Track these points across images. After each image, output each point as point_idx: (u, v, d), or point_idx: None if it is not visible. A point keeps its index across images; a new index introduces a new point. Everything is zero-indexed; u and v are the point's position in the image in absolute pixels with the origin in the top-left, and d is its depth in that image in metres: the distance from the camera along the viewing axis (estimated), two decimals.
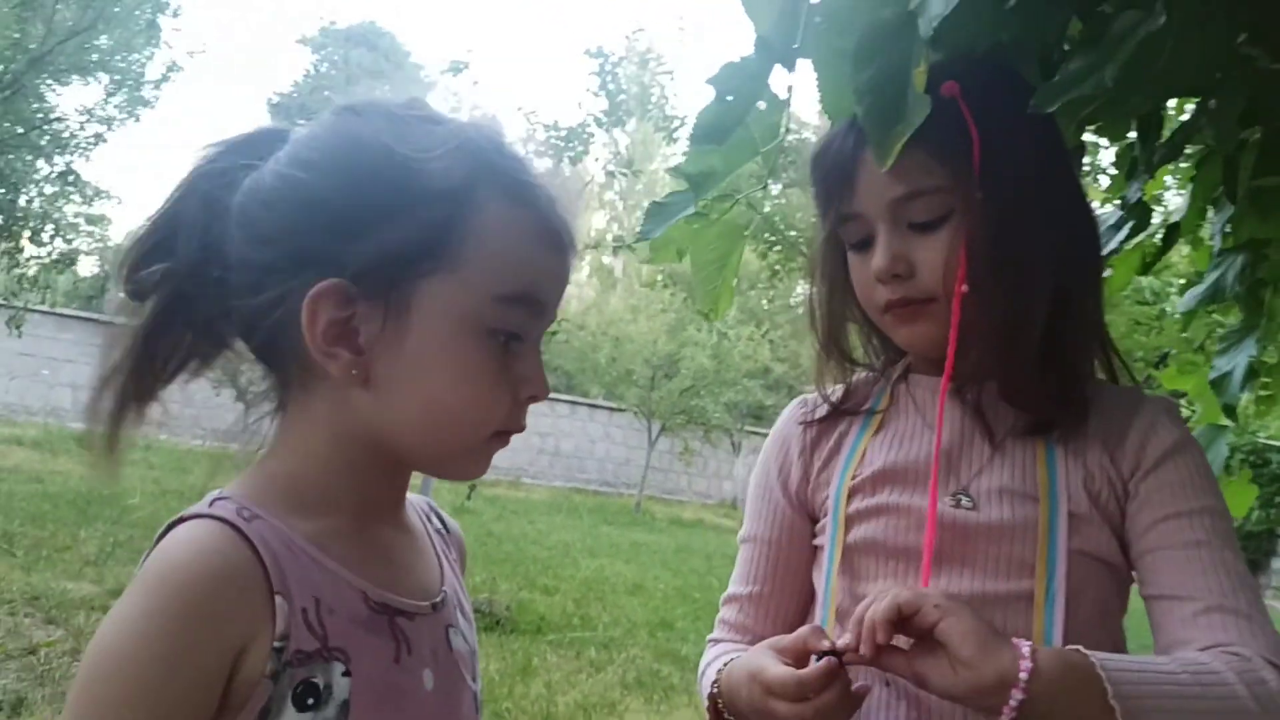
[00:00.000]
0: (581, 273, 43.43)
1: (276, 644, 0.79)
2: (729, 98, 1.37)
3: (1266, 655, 1.02)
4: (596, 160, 10.01)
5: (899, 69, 1.15)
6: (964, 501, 1.16)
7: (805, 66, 1.37)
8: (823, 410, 1.33)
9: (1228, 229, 1.98)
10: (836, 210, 1.23)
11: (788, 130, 1.46)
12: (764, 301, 28.83)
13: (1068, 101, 1.06)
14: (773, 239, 15.46)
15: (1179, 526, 1.11)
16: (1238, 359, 2.08)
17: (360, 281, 0.84)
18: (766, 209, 16.38)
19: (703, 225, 1.44)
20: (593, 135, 9.01)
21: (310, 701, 0.80)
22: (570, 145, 8.62)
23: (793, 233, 16.44)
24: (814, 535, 1.31)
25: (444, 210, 0.85)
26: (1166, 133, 1.80)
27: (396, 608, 0.90)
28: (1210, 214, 2.06)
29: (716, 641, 1.35)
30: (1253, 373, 2.07)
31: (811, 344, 1.36)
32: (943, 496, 1.17)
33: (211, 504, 0.85)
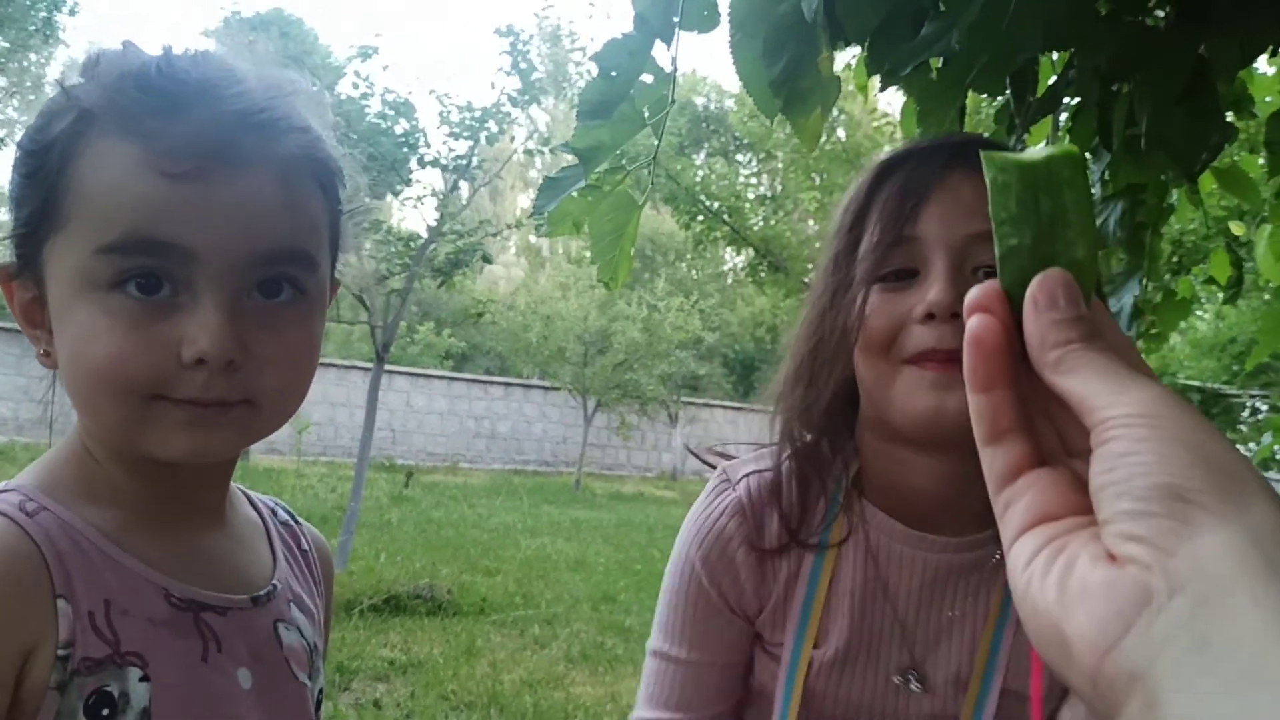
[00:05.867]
0: (509, 252, 43.18)
1: (60, 651, 0.72)
2: (613, 73, 1.41)
3: None
4: (512, 140, 9.96)
5: (805, 56, 1.22)
6: (914, 684, 1.14)
7: (700, 40, 1.44)
8: (774, 538, 1.16)
9: (1107, 177, 2.07)
10: (893, 227, 1.05)
11: (674, 101, 1.50)
12: (692, 272, 28.94)
13: (948, 67, 1.12)
14: (694, 209, 15.54)
15: None
16: (1124, 299, 2.18)
17: (18, 259, 0.82)
18: (692, 179, 16.43)
19: (597, 198, 1.48)
20: (509, 114, 8.97)
21: (105, 712, 0.74)
22: (485, 125, 8.58)
23: (715, 203, 16.54)
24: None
25: (54, 165, 0.78)
26: (1045, 88, 1.88)
27: (204, 603, 0.83)
28: (1090, 163, 2.14)
29: None
30: (1138, 311, 2.17)
31: (782, 403, 1.19)
32: (892, 672, 1.14)
33: None
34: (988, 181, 0.51)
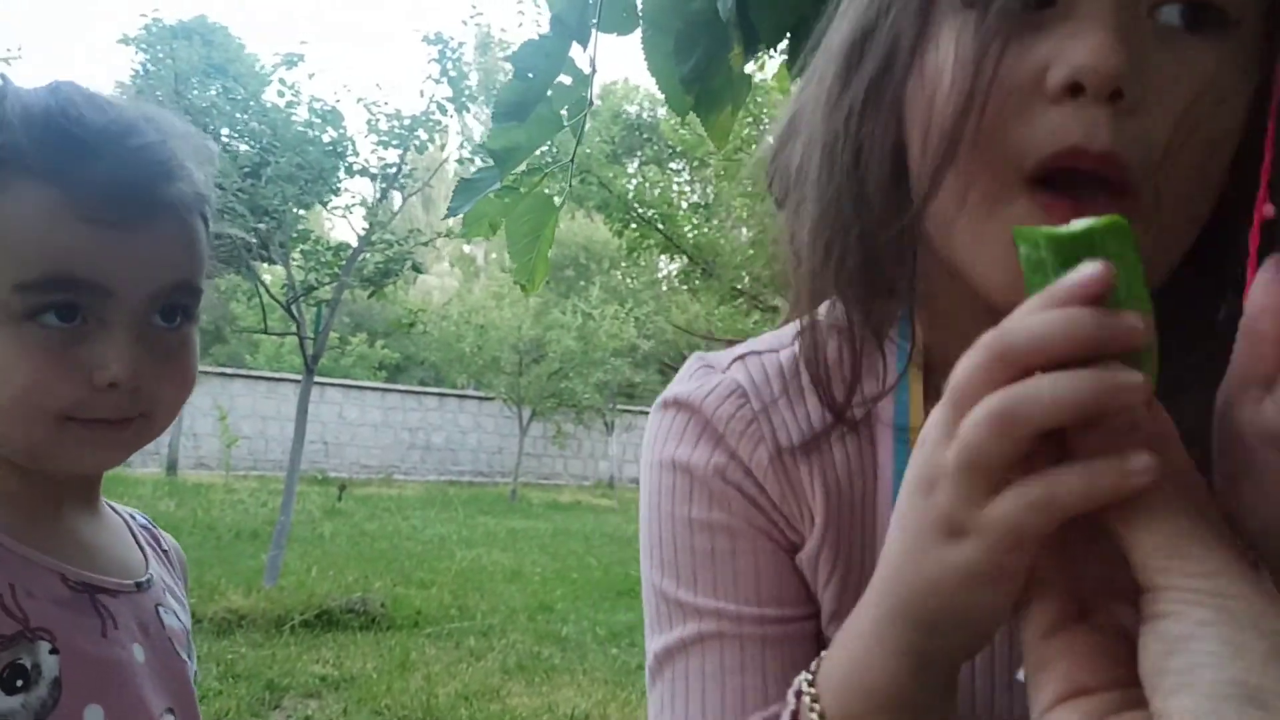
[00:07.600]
0: (443, 263, 42.92)
1: None
2: (529, 75, 1.40)
3: None
4: (443, 149, 9.90)
5: (717, 54, 1.23)
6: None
7: (620, 43, 1.44)
8: (802, 426, 0.73)
9: None
10: None
11: (592, 102, 1.49)
12: (627, 280, 28.99)
13: None
14: (627, 217, 15.56)
15: None
16: None
17: None
18: (625, 187, 16.47)
19: (514, 199, 1.47)
20: (439, 123, 8.92)
21: (20, 684, 0.80)
22: (414, 133, 8.52)
23: (648, 211, 16.58)
24: None
25: None
26: None
27: (97, 585, 0.90)
28: None
29: None
30: None
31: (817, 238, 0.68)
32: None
33: None
34: (1021, 260, 0.46)
